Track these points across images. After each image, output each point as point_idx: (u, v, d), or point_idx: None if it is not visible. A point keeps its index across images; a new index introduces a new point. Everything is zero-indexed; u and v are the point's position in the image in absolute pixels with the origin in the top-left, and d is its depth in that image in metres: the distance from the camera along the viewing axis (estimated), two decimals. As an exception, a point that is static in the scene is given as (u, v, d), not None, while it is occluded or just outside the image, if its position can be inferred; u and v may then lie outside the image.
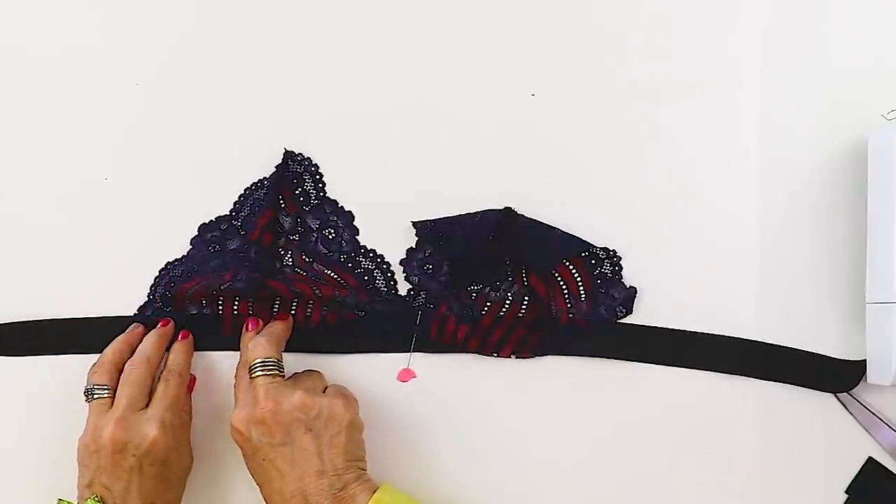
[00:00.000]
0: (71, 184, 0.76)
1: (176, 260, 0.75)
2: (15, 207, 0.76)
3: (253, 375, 0.69)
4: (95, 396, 0.70)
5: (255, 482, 0.69)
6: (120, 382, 0.70)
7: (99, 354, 0.72)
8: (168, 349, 0.73)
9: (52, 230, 0.75)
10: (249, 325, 0.72)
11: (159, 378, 0.72)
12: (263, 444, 0.67)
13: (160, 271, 0.74)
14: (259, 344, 0.70)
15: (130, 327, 0.74)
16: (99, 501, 0.67)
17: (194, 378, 0.74)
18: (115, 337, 0.73)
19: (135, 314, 0.74)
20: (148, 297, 0.74)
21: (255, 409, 0.67)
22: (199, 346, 0.74)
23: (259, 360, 0.69)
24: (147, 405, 0.70)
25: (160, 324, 0.74)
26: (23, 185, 0.76)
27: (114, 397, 0.70)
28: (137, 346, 0.73)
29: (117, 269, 0.75)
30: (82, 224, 0.75)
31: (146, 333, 0.73)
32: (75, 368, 0.73)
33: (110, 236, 0.75)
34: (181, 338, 0.74)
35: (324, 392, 0.70)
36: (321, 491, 0.66)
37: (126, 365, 0.71)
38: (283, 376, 0.69)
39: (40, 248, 0.75)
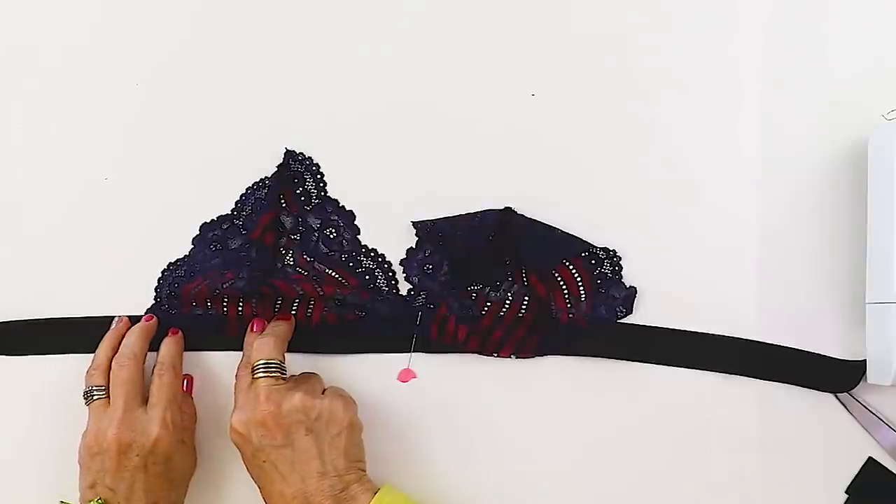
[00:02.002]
0: (71, 184, 0.76)
1: (178, 260, 0.75)
2: (15, 207, 0.76)
3: (255, 376, 0.68)
4: (95, 398, 0.70)
5: (256, 484, 0.69)
6: (111, 382, 0.70)
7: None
8: (157, 347, 0.73)
9: (52, 230, 0.75)
10: (255, 326, 0.72)
11: (152, 373, 0.71)
12: (264, 446, 0.67)
13: (163, 272, 0.75)
14: (263, 345, 0.70)
15: (114, 322, 0.74)
16: (101, 503, 0.67)
17: (192, 378, 0.74)
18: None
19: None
20: (154, 299, 0.74)
21: (256, 410, 0.67)
22: (204, 346, 0.74)
23: (262, 362, 0.69)
24: (146, 403, 0.70)
25: (144, 318, 0.73)
26: (23, 185, 0.76)
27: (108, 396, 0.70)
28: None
29: (118, 269, 0.75)
30: (83, 224, 0.75)
31: (132, 326, 0.73)
32: (74, 368, 0.73)
33: (111, 236, 0.75)
34: (171, 333, 0.73)
35: (323, 394, 0.70)
36: (322, 492, 0.66)
37: (113, 363, 0.71)
38: (285, 378, 0.69)
39: (41, 248, 0.75)
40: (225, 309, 0.73)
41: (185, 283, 0.74)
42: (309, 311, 0.73)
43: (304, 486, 0.66)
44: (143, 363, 0.72)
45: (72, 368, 0.74)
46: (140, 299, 0.74)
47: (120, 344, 0.72)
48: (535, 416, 0.73)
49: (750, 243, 0.73)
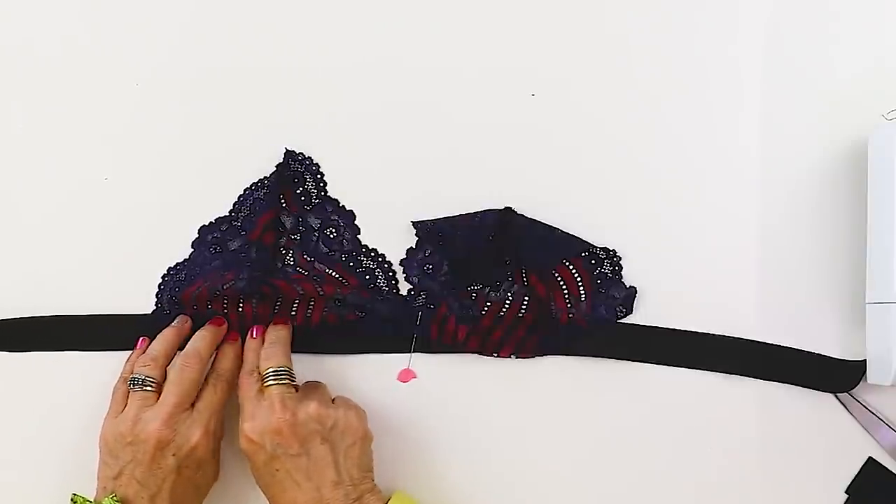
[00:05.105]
0: (71, 184, 0.75)
1: (178, 264, 0.74)
2: (15, 207, 0.76)
3: (266, 384, 0.68)
4: (146, 388, 0.69)
5: (264, 493, 0.69)
6: (170, 378, 0.69)
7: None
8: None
9: (51, 230, 0.75)
10: (255, 332, 0.72)
11: (206, 380, 0.71)
12: (279, 455, 0.66)
13: (163, 277, 0.74)
14: (272, 352, 0.70)
15: (178, 321, 0.73)
16: (118, 501, 0.66)
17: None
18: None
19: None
20: (156, 305, 0.74)
21: (271, 419, 0.67)
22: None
23: (272, 369, 0.69)
24: (192, 405, 0.69)
25: (215, 322, 0.73)
26: (23, 185, 0.76)
27: (158, 392, 0.69)
28: (183, 340, 0.72)
29: (118, 269, 0.75)
30: (82, 224, 0.75)
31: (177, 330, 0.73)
32: (78, 364, 0.74)
33: (111, 236, 0.75)
34: (231, 340, 0.73)
35: (333, 402, 0.70)
36: (337, 500, 0.66)
37: (179, 359, 0.70)
38: (296, 386, 0.69)
39: (40, 248, 0.75)
40: (225, 309, 0.73)
41: (186, 287, 0.73)
42: (309, 311, 0.73)
43: (318, 494, 0.66)
44: (206, 368, 0.71)
45: (78, 365, 0.74)
46: (140, 300, 0.74)
47: (178, 343, 0.72)
48: (535, 416, 0.73)
49: (750, 243, 0.74)
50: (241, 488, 0.73)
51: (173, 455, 0.67)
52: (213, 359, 0.72)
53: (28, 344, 0.75)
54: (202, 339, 0.71)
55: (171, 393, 0.68)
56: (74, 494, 0.68)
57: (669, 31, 0.75)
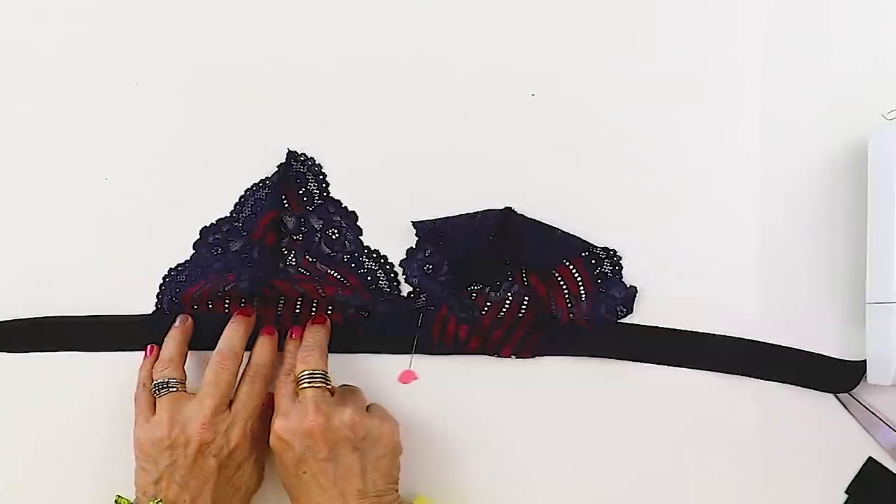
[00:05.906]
0: (71, 184, 0.75)
1: (179, 265, 0.74)
2: (15, 207, 0.76)
3: (301, 387, 0.68)
4: (171, 390, 0.69)
5: (289, 493, 0.69)
6: (207, 379, 0.69)
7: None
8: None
9: (52, 230, 0.75)
10: (293, 333, 0.72)
11: (242, 376, 0.70)
12: (307, 458, 0.66)
13: (164, 278, 0.74)
14: (309, 356, 0.69)
15: (180, 320, 0.73)
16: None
17: (271, 396, 0.72)
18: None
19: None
20: (156, 306, 0.74)
21: (305, 420, 0.66)
22: (206, 345, 0.73)
23: (307, 372, 0.69)
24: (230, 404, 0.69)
25: (243, 313, 0.72)
26: (23, 185, 0.76)
27: (184, 391, 0.69)
28: (190, 338, 0.72)
29: (119, 270, 0.75)
30: (83, 224, 0.75)
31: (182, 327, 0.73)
32: (78, 364, 0.74)
33: (111, 237, 0.75)
34: (267, 333, 0.72)
35: (368, 410, 0.70)
36: None
37: (214, 359, 0.69)
38: (332, 389, 0.69)
39: (39, 250, 0.75)
40: (226, 310, 0.73)
41: (187, 288, 0.73)
42: (313, 311, 0.73)
43: (342, 501, 0.66)
44: (241, 363, 0.71)
45: (77, 365, 0.74)
46: (141, 302, 0.74)
47: (186, 342, 0.72)
48: (535, 416, 0.73)
49: (750, 243, 0.74)
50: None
51: (214, 456, 0.67)
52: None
53: (28, 345, 0.75)
54: (235, 332, 0.71)
55: (208, 395, 0.68)
56: (119, 496, 0.68)
57: (670, 31, 0.75)
